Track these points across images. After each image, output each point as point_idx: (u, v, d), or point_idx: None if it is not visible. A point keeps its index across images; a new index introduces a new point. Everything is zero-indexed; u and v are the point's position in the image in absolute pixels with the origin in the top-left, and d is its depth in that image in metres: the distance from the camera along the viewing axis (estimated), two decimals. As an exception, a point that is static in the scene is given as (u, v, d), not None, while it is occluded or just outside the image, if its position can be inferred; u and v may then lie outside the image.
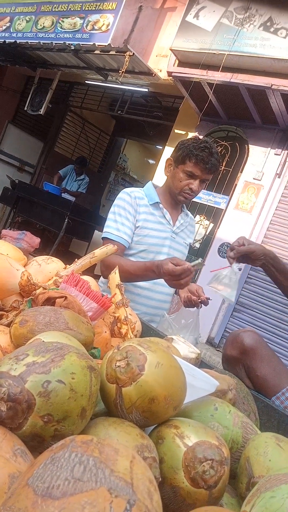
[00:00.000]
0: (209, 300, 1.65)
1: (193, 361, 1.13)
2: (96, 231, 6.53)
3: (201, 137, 1.71)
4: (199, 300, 1.61)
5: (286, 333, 4.42)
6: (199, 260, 1.44)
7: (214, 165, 1.66)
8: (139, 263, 1.63)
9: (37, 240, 2.05)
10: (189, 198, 1.74)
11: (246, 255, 1.44)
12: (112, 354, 0.62)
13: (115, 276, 1.21)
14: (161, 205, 1.78)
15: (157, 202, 1.78)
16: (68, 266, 1.26)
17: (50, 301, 1.02)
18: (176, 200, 1.78)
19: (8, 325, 1.06)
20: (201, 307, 1.65)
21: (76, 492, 0.32)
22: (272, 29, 3.73)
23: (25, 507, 0.31)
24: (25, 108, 6.82)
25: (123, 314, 1.17)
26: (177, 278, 1.40)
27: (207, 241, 5.30)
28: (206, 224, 5.32)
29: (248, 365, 1.18)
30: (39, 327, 0.84)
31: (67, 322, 0.88)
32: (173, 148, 1.78)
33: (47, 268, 1.25)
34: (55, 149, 8.40)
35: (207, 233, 5.36)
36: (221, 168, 4.79)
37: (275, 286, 1.51)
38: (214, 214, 5.22)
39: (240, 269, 1.43)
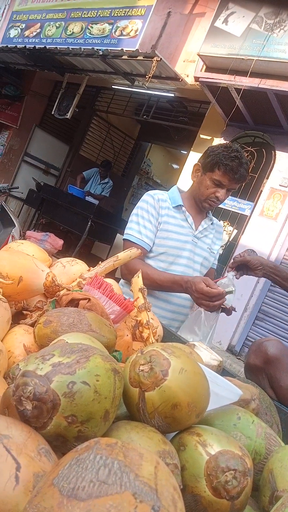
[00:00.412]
0: (233, 311, 1.63)
1: (215, 368, 1.11)
2: (118, 235, 6.57)
3: (230, 143, 1.68)
4: (223, 307, 1.59)
5: (310, 343, 4.31)
6: (233, 288, 1.50)
7: (243, 176, 1.64)
8: (167, 274, 1.64)
9: (60, 242, 2.07)
10: (214, 206, 1.74)
11: (245, 265, 1.61)
12: (136, 358, 0.62)
13: (138, 280, 1.21)
14: (183, 208, 1.77)
15: (180, 205, 1.77)
16: (91, 268, 1.27)
17: (74, 303, 1.03)
18: (201, 206, 1.77)
19: (32, 325, 1.08)
20: (220, 312, 1.63)
21: (101, 495, 0.31)
22: (302, 34, 3.68)
23: (50, 506, 0.31)
24: (53, 112, 6.95)
25: (145, 318, 1.17)
26: (209, 300, 1.45)
27: (230, 247, 5.25)
28: (230, 230, 5.27)
29: (271, 375, 1.16)
30: (62, 328, 0.85)
31: (90, 324, 0.89)
32: (201, 154, 1.77)
33: (71, 270, 1.26)
34: (80, 153, 8.53)
35: (230, 239, 5.30)
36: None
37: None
38: (238, 220, 5.17)
39: (235, 276, 1.61)
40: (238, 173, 1.61)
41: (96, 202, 6.95)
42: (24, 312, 1.11)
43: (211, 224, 1.89)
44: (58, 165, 8.73)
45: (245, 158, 1.64)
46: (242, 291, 4.69)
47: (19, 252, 1.12)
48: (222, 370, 1.17)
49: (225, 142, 1.53)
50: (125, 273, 1.69)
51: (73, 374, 0.49)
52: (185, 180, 5.44)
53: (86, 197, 7.04)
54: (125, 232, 1.75)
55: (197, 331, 1.51)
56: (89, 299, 1.02)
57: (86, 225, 5.70)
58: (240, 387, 0.86)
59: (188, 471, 0.57)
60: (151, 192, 1.80)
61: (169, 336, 1.34)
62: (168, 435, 0.65)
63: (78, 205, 6.05)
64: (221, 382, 0.75)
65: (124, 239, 1.74)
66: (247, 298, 4.76)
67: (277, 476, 0.60)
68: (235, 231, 5.28)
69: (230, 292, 1.49)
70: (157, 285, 1.62)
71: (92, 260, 1.36)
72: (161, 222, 1.73)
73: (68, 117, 6.59)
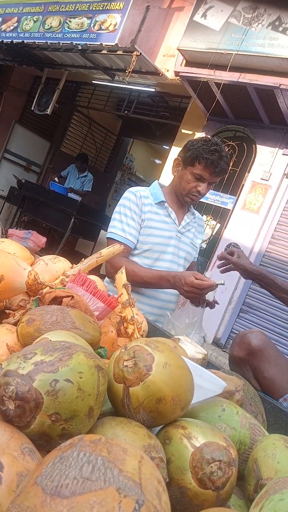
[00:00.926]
0: (216, 304, 1.64)
1: (200, 362, 1.12)
2: (102, 231, 6.54)
3: (209, 137, 1.68)
4: (206, 300, 1.60)
5: (293, 334, 4.39)
6: (223, 281, 1.52)
7: (223, 169, 1.65)
8: (153, 271, 1.65)
9: (43, 240, 2.05)
10: (195, 200, 1.74)
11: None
12: (120, 354, 0.62)
13: (122, 276, 1.21)
14: (166, 204, 1.77)
15: (162, 201, 1.76)
16: (75, 265, 1.26)
17: (57, 301, 1.02)
18: (183, 201, 1.77)
19: (15, 324, 1.06)
20: (205, 306, 1.64)
21: (85, 492, 0.31)
22: (280, 29, 3.71)
23: (33, 505, 0.31)
24: (32, 108, 6.85)
25: (130, 314, 1.17)
26: (200, 292, 1.48)
27: (213, 241, 5.29)
28: (213, 225, 5.31)
29: (255, 366, 1.18)
30: (46, 326, 0.84)
31: (74, 321, 0.88)
32: (181, 148, 1.77)
33: (54, 268, 1.25)
34: (61, 149, 8.43)
35: (213, 233, 5.34)
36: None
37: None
38: (221, 214, 5.21)
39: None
40: (218, 166, 1.62)
41: (79, 198, 6.89)
42: (7, 311, 1.10)
43: (193, 218, 1.90)
44: (39, 161, 8.62)
45: (225, 151, 1.64)
46: (226, 284, 4.73)
47: (0, 251, 1.10)
48: (207, 363, 1.18)
49: (204, 136, 1.52)
50: (110, 272, 1.68)
51: (55, 372, 0.48)
52: (168, 175, 5.45)
53: (69, 193, 6.98)
54: (108, 231, 1.73)
55: (181, 325, 1.52)
56: (72, 297, 1.01)
57: (69, 222, 5.66)
58: (224, 379, 0.87)
59: (173, 464, 0.57)
60: (132, 189, 1.79)
61: (154, 331, 1.35)
62: (154, 429, 0.65)
63: (60, 202, 5.99)
64: (205, 375, 0.76)
65: (107, 238, 1.73)
66: (231, 291, 4.81)
67: (261, 465, 0.61)
68: (218, 225, 5.32)
69: (222, 284, 1.50)
70: (144, 282, 1.63)
71: (76, 257, 1.34)
72: (144, 219, 1.72)
73: (48, 113, 6.50)
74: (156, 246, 1.73)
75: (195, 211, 1.93)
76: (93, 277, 1.24)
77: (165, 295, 1.77)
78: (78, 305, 1.01)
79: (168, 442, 0.60)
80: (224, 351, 4.70)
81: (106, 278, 1.81)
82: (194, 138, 1.79)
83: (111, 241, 1.70)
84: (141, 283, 1.63)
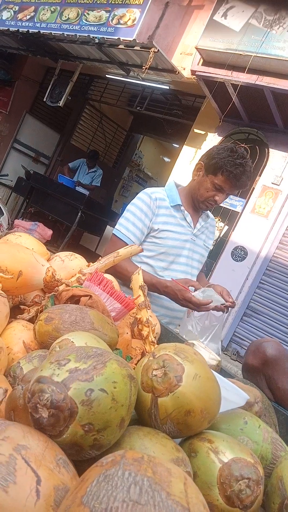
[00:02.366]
0: (230, 308, 1.62)
1: (214, 368, 1.11)
2: (108, 226, 6.53)
3: (236, 147, 1.65)
4: (225, 306, 1.57)
5: (296, 341, 4.38)
6: (221, 300, 1.55)
7: (244, 184, 1.63)
8: (147, 275, 1.64)
9: (49, 232, 2.03)
10: (210, 208, 1.74)
11: None
12: (148, 362, 0.61)
13: (138, 277, 1.20)
14: (182, 207, 1.75)
15: (178, 205, 1.75)
16: (91, 263, 1.25)
17: (74, 299, 1.01)
18: (198, 206, 1.76)
19: (30, 320, 1.05)
20: (227, 311, 1.62)
21: (137, 517, 0.30)
22: (301, 33, 3.68)
23: (84, 530, 0.29)
24: (44, 99, 6.81)
25: (145, 316, 1.16)
26: (196, 308, 1.54)
27: (220, 243, 5.27)
28: (221, 226, 5.28)
29: (269, 376, 1.16)
30: (64, 326, 0.83)
31: (93, 322, 0.87)
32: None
33: (70, 265, 1.24)
34: (71, 142, 8.41)
35: (221, 235, 5.32)
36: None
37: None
38: (229, 217, 5.18)
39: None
40: (240, 180, 1.60)
41: (86, 192, 6.87)
42: (22, 306, 1.09)
43: (207, 220, 1.88)
44: (48, 153, 8.60)
45: (249, 165, 1.61)
46: (231, 287, 4.72)
47: (18, 245, 1.09)
48: (220, 370, 1.16)
49: (231, 144, 1.48)
50: (119, 276, 1.64)
51: (90, 381, 0.47)
52: (178, 174, 5.42)
53: (77, 187, 6.95)
54: (115, 227, 1.74)
55: (196, 330, 1.51)
56: (91, 296, 1.00)
57: (76, 215, 5.64)
58: (244, 390, 0.86)
59: (200, 478, 0.56)
60: (148, 190, 1.77)
61: (166, 334, 1.33)
62: (175, 440, 0.64)
63: (68, 195, 5.97)
64: (229, 386, 0.75)
65: (112, 233, 1.74)
66: (236, 294, 4.79)
67: (288, 483, 0.59)
68: (226, 227, 5.30)
69: (219, 303, 1.53)
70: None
71: (80, 251, 1.33)
72: (157, 222, 1.70)
73: (60, 105, 6.47)
74: (171, 249, 1.72)
75: (209, 213, 1.91)
76: (108, 277, 1.23)
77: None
78: (96, 305, 1.00)
79: (193, 455, 0.58)
80: (226, 354, 4.69)
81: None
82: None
83: (113, 237, 1.72)
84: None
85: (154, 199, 1.72)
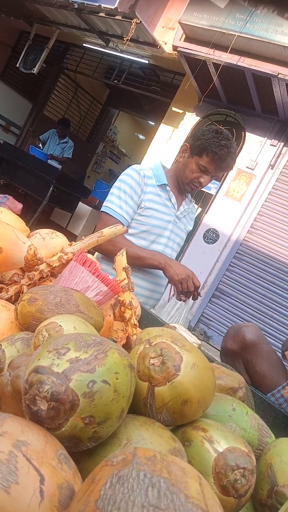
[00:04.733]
0: (199, 296, 1.65)
1: (195, 352, 1.11)
2: (80, 203, 6.39)
3: (222, 128, 1.64)
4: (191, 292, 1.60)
5: (262, 323, 4.52)
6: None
7: (229, 165, 1.62)
8: (149, 250, 1.67)
9: (19, 206, 1.95)
10: (195, 190, 1.73)
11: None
12: (145, 350, 0.59)
13: (122, 258, 1.17)
14: (168, 188, 1.73)
15: (164, 184, 1.72)
16: (73, 242, 1.20)
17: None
18: (183, 188, 1.75)
19: (9, 299, 1.01)
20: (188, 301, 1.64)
21: (160, 524, 0.28)
22: (286, 15, 3.63)
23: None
24: (17, 65, 6.47)
25: (128, 298, 1.14)
26: (187, 290, 1.59)
27: (193, 225, 5.29)
28: (195, 208, 5.30)
29: (248, 360, 1.18)
30: (49, 307, 0.80)
31: (78, 304, 0.84)
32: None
33: (51, 243, 1.18)
34: (44, 112, 8.06)
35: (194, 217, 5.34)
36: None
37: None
38: (203, 199, 5.19)
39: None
40: (225, 162, 1.59)
41: (59, 166, 6.66)
42: (-1, 285, 1.04)
43: (190, 204, 1.88)
44: (20, 123, 8.23)
45: (234, 147, 1.61)
46: (201, 268, 4.78)
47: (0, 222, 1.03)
48: (200, 354, 1.17)
49: (216, 126, 1.46)
50: (110, 250, 1.59)
51: (93, 372, 0.44)
52: (154, 153, 5.34)
53: (49, 160, 6.72)
54: (104, 204, 1.67)
55: (170, 313, 1.51)
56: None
57: (47, 190, 5.47)
58: (228, 375, 0.86)
59: (194, 467, 0.55)
60: (136, 166, 1.72)
61: (146, 316, 1.32)
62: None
63: (40, 168, 5.76)
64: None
65: (102, 211, 1.67)
66: (206, 276, 4.86)
67: (277, 471, 0.60)
68: (199, 209, 5.31)
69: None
70: (137, 256, 1.59)
71: (51, 227, 1.28)
72: (144, 199, 1.67)
73: (34, 72, 6.17)
74: (154, 228, 1.69)
75: (192, 199, 1.91)
76: (91, 257, 1.19)
77: (157, 278, 1.75)
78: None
79: (187, 444, 0.58)
80: (193, 334, 4.78)
81: (97, 254, 1.76)
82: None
83: (105, 215, 1.64)
84: (133, 257, 1.59)
85: (143, 176, 1.68)
